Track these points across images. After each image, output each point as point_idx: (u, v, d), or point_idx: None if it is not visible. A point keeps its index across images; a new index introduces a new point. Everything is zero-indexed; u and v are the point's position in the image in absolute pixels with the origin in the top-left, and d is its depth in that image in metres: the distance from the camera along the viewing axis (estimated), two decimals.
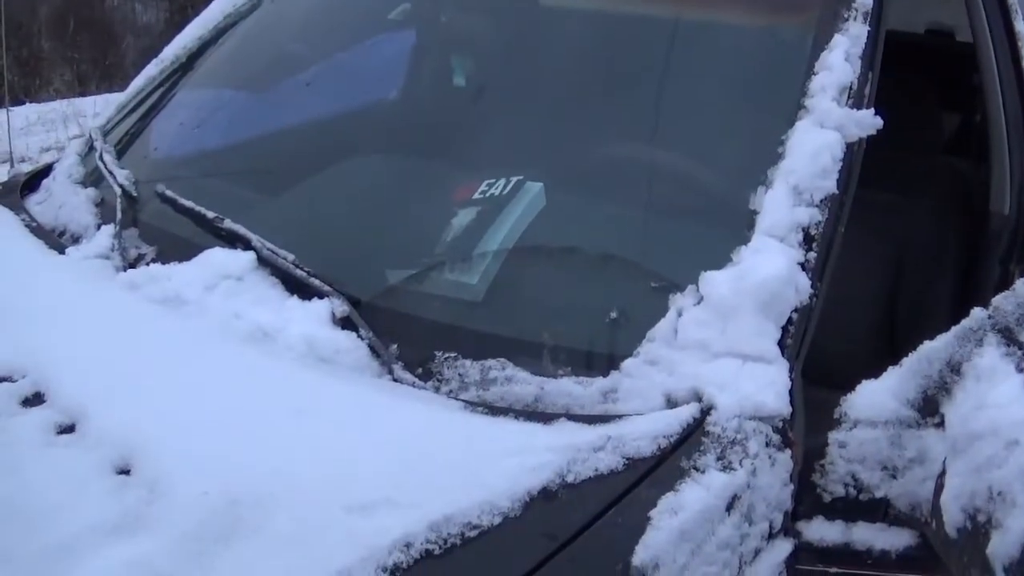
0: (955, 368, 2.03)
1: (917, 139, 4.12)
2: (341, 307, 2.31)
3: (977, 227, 3.70)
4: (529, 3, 3.46)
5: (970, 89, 4.65)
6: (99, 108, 10.12)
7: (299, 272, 2.40)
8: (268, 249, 2.45)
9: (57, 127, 12.92)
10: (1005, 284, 3.10)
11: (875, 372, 2.17)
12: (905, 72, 3.59)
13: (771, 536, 2.02)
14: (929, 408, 2.05)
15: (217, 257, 2.49)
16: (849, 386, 2.16)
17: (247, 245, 2.50)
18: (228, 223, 2.57)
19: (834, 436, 2.09)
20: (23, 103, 14.87)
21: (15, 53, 18.34)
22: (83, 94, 16.09)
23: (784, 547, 2.04)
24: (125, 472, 1.90)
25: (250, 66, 3.58)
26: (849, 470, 2.08)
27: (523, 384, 2.15)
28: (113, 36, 20.25)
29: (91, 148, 3.23)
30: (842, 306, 2.45)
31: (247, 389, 2.15)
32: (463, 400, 2.14)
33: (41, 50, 18.91)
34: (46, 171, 3.40)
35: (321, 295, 2.35)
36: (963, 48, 4.78)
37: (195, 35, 3.60)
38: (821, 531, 2.10)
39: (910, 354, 2.12)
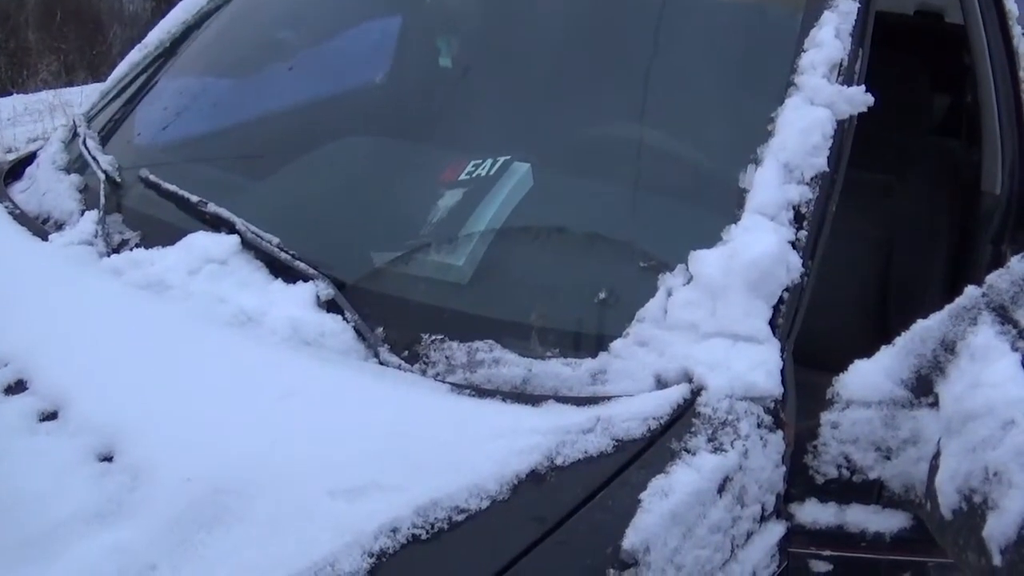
0: (949, 347, 2.01)
1: (908, 120, 4.12)
2: (326, 290, 2.28)
3: (968, 207, 3.70)
4: None
5: (960, 70, 4.64)
6: (86, 98, 10.08)
7: (283, 255, 2.37)
8: (252, 232, 2.43)
9: (44, 117, 12.88)
10: (997, 264, 3.09)
11: (866, 353, 2.14)
12: (895, 53, 3.58)
13: (763, 519, 2.00)
14: (923, 388, 2.03)
15: (200, 241, 2.47)
16: (839, 368, 2.14)
17: (231, 229, 2.48)
18: (212, 207, 2.55)
19: (826, 417, 2.07)
20: (10, 94, 14.86)
21: (2, 45, 18.34)
22: (70, 84, 16.07)
23: (777, 530, 2.02)
24: (108, 459, 1.89)
25: (235, 51, 3.56)
26: (842, 451, 2.06)
27: (511, 366, 2.13)
28: (100, 26, 20.22)
29: (75, 135, 3.21)
30: (832, 287, 2.43)
31: (231, 374, 2.13)
32: (450, 383, 2.12)
33: (28, 41, 18.90)
34: (30, 159, 3.38)
35: (306, 278, 2.33)
36: (952, 29, 4.78)
37: (179, 20, 3.58)
38: (814, 513, 2.08)
39: (903, 333, 2.09)
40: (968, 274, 3.44)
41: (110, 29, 20.07)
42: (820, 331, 2.32)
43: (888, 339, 2.13)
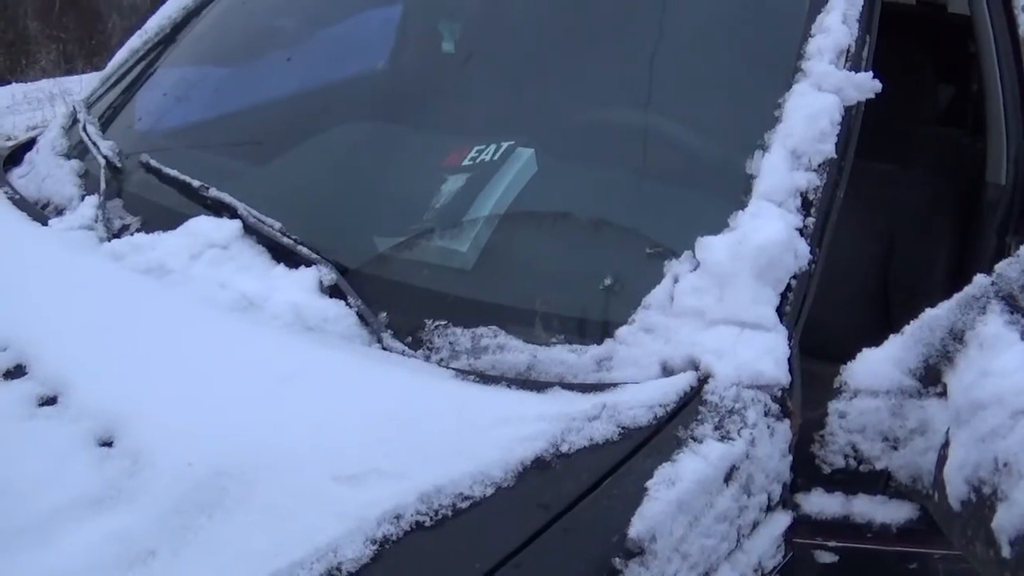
0: (958, 336, 1.99)
1: (912, 109, 4.11)
2: (329, 275, 2.27)
3: (972, 198, 3.68)
4: None
5: (963, 60, 4.62)
6: (85, 87, 10.09)
7: (286, 240, 2.36)
8: (254, 217, 2.42)
9: (43, 106, 12.88)
10: (1001, 255, 3.07)
11: (866, 343, 2.13)
12: (898, 41, 3.57)
13: (769, 508, 1.98)
14: (931, 377, 2.02)
15: (202, 226, 2.46)
16: (841, 357, 2.12)
17: (233, 214, 2.46)
18: (214, 191, 2.54)
19: (834, 406, 2.05)
20: (8, 83, 14.86)
21: (0, 34, 18.35)
22: (69, 73, 16.09)
23: (783, 520, 2.01)
24: (108, 444, 1.87)
25: (236, 37, 3.54)
26: (849, 441, 2.04)
27: (515, 352, 2.11)
28: (99, 16, 20.24)
29: (75, 120, 3.20)
30: (833, 276, 2.41)
31: (232, 358, 2.11)
32: (454, 369, 2.11)
33: (27, 30, 18.91)
34: (29, 144, 3.36)
35: (308, 263, 2.31)
36: (955, 19, 4.77)
37: (180, 5, 3.56)
38: (820, 504, 2.06)
39: (911, 322, 2.08)
40: (972, 264, 3.43)
41: (109, 19, 20.09)
42: (821, 320, 2.30)
43: (889, 328, 2.11)
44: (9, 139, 10.21)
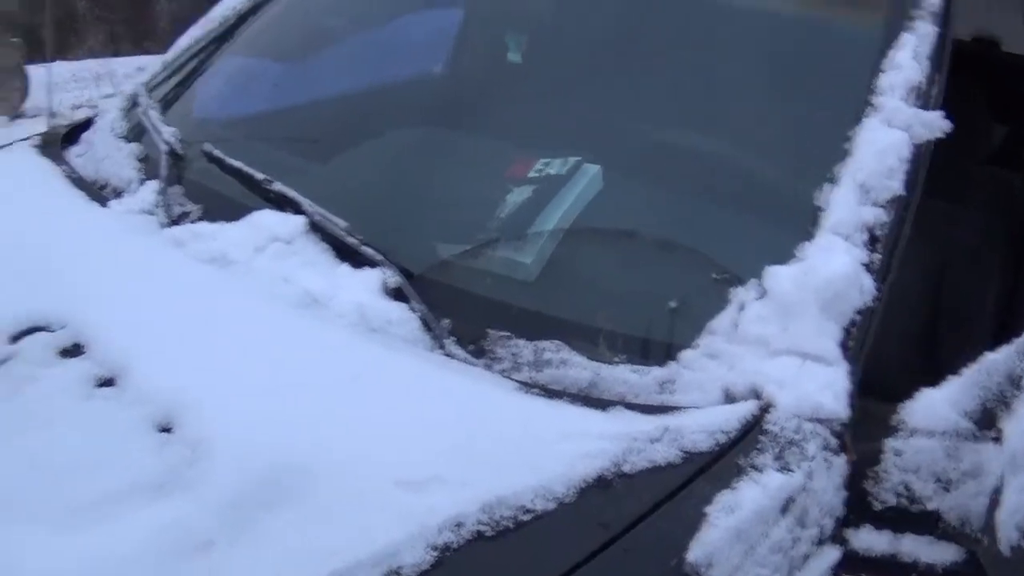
0: (1016, 382, 1.98)
1: (968, 146, 4.09)
2: (393, 278, 2.26)
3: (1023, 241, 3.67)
4: None
5: (1017, 100, 4.60)
6: (130, 70, 10.12)
7: (351, 240, 2.35)
8: (319, 214, 2.41)
9: (89, 85, 12.96)
10: None
11: (913, 381, 2.12)
12: (953, 78, 3.57)
13: (821, 542, 1.97)
14: (987, 421, 2.01)
15: (267, 219, 2.45)
16: (885, 394, 2.11)
17: (297, 209, 2.45)
18: (278, 185, 2.53)
19: (891, 444, 2.04)
20: (54, 60, 14.94)
21: (51, 12, 18.48)
22: (116, 54, 16.16)
23: (832, 554, 1.99)
24: (167, 430, 1.87)
25: (299, 33, 3.55)
26: (903, 479, 2.03)
27: (578, 368, 2.11)
28: None
29: (135, 104, 3.19)
30: (885, 313, 2.41)
31: (296, 354, 2.11)
32: (517, 380, 2.10)
33: (76, 10, 18.99)
34: (85, 124, 3.36)
35: (372, 264, 2.31)
36: (1010, 58, 4.75)
37: None
38: (869, 540, 2.05)
39: (969, 365, 2.07)
40: (1022, 309, 3.42)
41: (157, 2, 20.18)
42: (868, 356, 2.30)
43: (936, 368, 2.11)
44: (54, 116, 10.28)
